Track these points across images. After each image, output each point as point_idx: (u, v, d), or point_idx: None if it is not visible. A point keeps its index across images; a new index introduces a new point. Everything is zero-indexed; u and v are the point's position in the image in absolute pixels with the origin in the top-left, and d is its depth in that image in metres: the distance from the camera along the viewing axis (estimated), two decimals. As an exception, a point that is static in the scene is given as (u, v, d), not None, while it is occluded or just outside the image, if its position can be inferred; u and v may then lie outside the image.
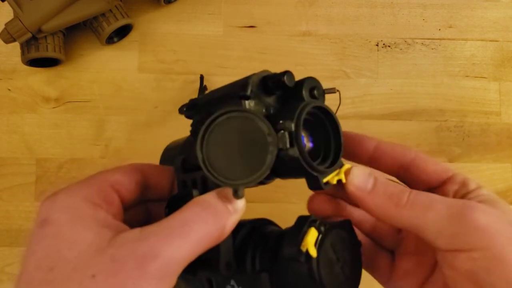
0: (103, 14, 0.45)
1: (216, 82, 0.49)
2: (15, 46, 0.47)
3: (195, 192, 0.25)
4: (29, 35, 0.43)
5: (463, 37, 0.52)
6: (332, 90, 0.27)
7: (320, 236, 0.24)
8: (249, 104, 0.25)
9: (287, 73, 0.25)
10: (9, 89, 0.48)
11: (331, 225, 0.25)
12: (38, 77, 0.48)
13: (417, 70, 0.51)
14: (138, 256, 0.20)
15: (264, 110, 0.25)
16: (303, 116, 0.24)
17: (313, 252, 0.23)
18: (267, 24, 0.51)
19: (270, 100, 0.26)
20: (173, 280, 0.21)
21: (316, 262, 0.23)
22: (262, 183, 0.26)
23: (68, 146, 0.47)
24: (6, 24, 0.42)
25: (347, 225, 0.26)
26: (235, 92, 0.25)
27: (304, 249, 0.23)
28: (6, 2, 0.42)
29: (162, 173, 0.28)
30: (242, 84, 0.25)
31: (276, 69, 0.53)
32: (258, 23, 0.51)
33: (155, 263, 0.20)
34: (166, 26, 0.50)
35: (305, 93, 0.26)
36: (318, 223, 0.25)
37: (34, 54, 0.44)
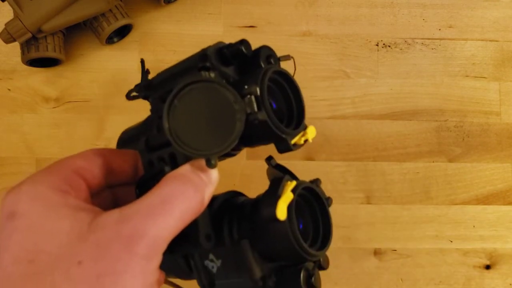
0: (103, 14, 0.45)
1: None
2: (15, 46, 0.47)
3: (167, 168, 0.24)
4: (29, 35, 0.43)
5: (463, 37, 0.52)
6: (287, 57, 0.28)
7: (295, 195, 0.25)
8: (209, 75, 0.24)
9: (243, 41, 0.26)
10: (9, 89, 0.48)
11: (300, 183, 0.26)
12: (38, 77, 0.48)
13: (417, 70, 0.51)
14: (123, 237, 0.20)
15: (223, 81, 0.25)
16: (266, 79, 0.24)
17: (283, 214, 0.24)
18: (267, 24, 0.51)
19: (228, 70, 0.26)
20: (160, 258, 0.21)
21: (290, 221, 0.24)
22: (230, 154, 0.26)
23: (68, 146, 0.47)
24: (6, 24, 0.42)
25: (316, 183, 0.28)
26: (193, 65, 0.25)
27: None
28: (6, 2, 0.42)
29: (123, 157, 0.27)
30: (200, 56, 0.25)
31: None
32: (258, 23, 0.51)
33: (142, 243, 0.20)
34: (166, 26, 0.50)
35: (262, 61, 0.26)
36: (292, 183, 0.25)
37: (34, 54, 0.44)
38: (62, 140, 0.47)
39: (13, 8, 0.42)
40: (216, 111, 0.23)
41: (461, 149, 0.49)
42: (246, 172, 0.47)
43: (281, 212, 0.24)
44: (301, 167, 0.48)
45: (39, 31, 0.43)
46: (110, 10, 0.46)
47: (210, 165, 0.22)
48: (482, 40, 0.52)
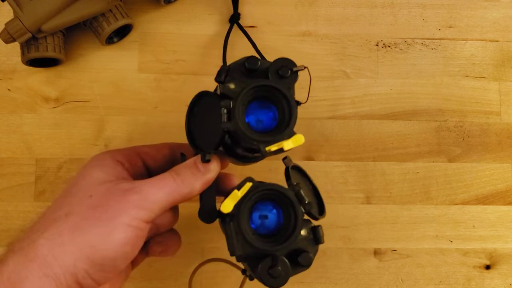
0: (103, 14, 0.45)
1: (215, 82, 0.49)
2: (15, 46, 0.47)
3: (182, 158, 0.33)
4: (29, 35, 0.43)
5: (463, 37, 0.52)
6: (301, 68, 0.31)
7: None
8: (227, 86, 0.30)
9: (248, 58, 0.30)
10: (9, 89, 0.48)
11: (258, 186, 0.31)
12: (38, 77, 0.48)
13: (417, 70, 0.51)
14: (125, 189, 0.30)
15: (219, 93, 0.31)
16: (244, 94, 0.29)
17: (227, 208, 0.30)
18: (267, 24, 0.51)
19: (253, 81, 0.30)
20: (150, 214, 0.29)
21: (238, 216, 0.30)
22: (251, 160, 0.34)
23: (67, 146, 0.47)
24: (6, 24, 0.42)
25: (293, 187, 0.32)
26: (216, 77, 0.30)
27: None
28: (6, 2, 0.42)
29: (187, 150, 0.34)
30: (219, 70, 0.30)
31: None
32: (258, 23, 0.51)
33: (135, 195, 0.29)
34: (166, 26, 0.50)
35: (270, 74, 0.30)
36: (248, 184, 0.31)
37: (34, 54, 0.44)
38: (62, 140, 0.47)
39: (13, 8, 0.42)
40: (214, 119, 0.29)
41: (461, 149, 0.50)
42: (246, 173, 0.47)
43: (225, 207, 0.30)
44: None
45: (39, 31, 0.43)
46: (110, 10, 0.46)
47: (204, 160, 0.31)
48: (482, 40, 0.52)
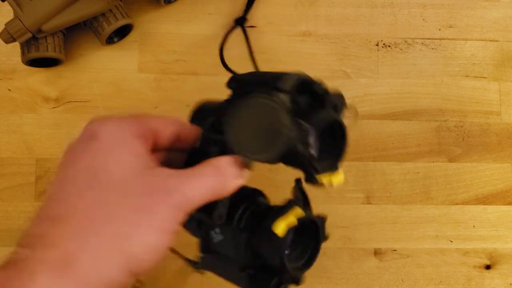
0: (103, 14, 0.45)
1: (215, 82, 0.49)
2: (15, 46, 0.47)
3: (214, 150, 0.29)
4: (29, 35, 0.43)
5: (463, 37, 0.52)
6: (353, 111, 0.33)
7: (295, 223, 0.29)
8: (280, 96, 0.28)
9: (318, 84, 0.30)
10: (9, 89, 0.48)
11: (308, 216, 0.30)
12: (38, 77, 0.48)
13: (417, 70, 0.51)
14: (165, 187, 0.25)
15: (289, 104, 0.29)
16: (321, 124, 0.28)
17: (280, 230, 0.29)
18: (267, 24, 0.51)
19: (299, 97, 0.29)
20: (184, 215, 0.26)
21: (283, 239, 0.28)
22: (269, 162, 0.30)
23: (68, 146, 0.47)
24: (6, 24, 0.42)
25: (322, 219, 0.32)
26: (273, 82, 0.29)
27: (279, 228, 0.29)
28: (6, 2, 0.42)
29: (193, 132, 0.32)
30: (282, 77, 0.29)
31: (276, 69, 0.52)
32: (258, 23, 0.51)
33: (176, 195, 0.25)
34: (166, 26, 0.50)
35: (327, 105, 0.30)
36: (298, 210, 0.30)
37: (34, 54, 0.44)
38: (62, 140, 0.47)
39: (13, 8, 0.42)
40: (269, 126, 0.27)
41: (461, 149, 0.50)
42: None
43: (279, 228, 0.28)
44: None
45: (39, 31, 0.43)
46: (110, 10, 0.46)
47: (247, 166, 0.28)
48: (482, 40, 0.52)
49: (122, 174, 0.25)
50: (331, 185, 0.30)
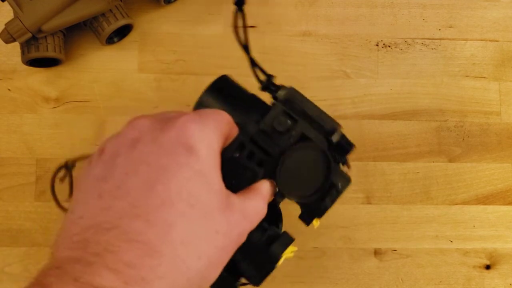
0: (103, 14, 0.45)
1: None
2: (15, 46, 0.47)
3: (260, 172, 0.30)
4: (29, 35, 0.43)
5: (463, 37, 0.52)
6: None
7: None
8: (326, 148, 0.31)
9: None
10: (9, 89, 0.48)
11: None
12: (38, 77, 0.48)
13: (417, 70, 0.51)
14: (243, 223, 0.25)
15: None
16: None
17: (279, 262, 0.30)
18: (267, 24, 0.51)
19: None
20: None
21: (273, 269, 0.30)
22: (302, 202, 0.33)
23: (68, 146, 0.47)
24: (6, 24, 0.42)
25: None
26: (329, 131, 0.32)
27: None
28: (6, 2, 0.42)
29: (234, 133, 0.30)
30: (335, 129, 0.33)
31: (276, 69, 0.53)
32: (258, 23, 0.51)
33: (247, 223, 0.25)
34: (166, 26, 0.50)
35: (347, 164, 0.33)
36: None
37: (34, 54, 0.44)
38: (62, 140, 0.47)
39: (13, 8, 0.42)
40: (312, 172, 0.30)
41: (461, 149, 0.50)
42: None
43: (281, 259, 0.30)
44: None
45: (39, 31, 0.43)
46: (110, 10, 0.46)
47: (276, 201, 0.30)
48: (482, 40, 0.52)
49: (211, 207, 0.24)
50: (314, 225, 0.32)
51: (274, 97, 0.34)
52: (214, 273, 0.24)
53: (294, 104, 0.33)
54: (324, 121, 0.34)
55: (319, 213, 0.31)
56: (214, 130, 0.25)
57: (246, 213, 0.25)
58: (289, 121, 0.32)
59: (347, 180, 0.31)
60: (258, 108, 0.34)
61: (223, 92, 0.35)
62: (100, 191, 0.23)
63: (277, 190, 0.29)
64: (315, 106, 0.34)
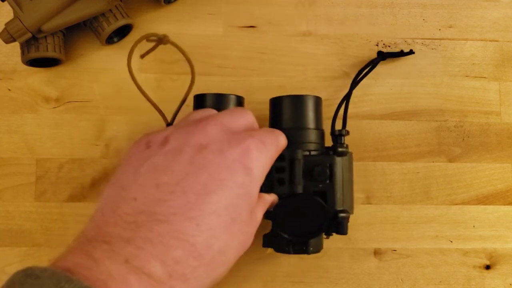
0: (103, 14, 0.45)
1: (216, 82, 0.49)
2: (15, 46, 0.47)
3: (276, 187, 0.35)
4: (29, 35, 0.43)
5: (463, 37, 0.52)
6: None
7: None
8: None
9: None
10: (9, 89, 0.48)
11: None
12: (38, 77, 0.48)
13: (417, 70, 0.51)
14: (252, 233, 0.29)
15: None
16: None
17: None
18: (267, 24, 0.51)
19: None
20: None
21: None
22: (297, 241, 0.38)
23: (68, 146, 0.47)
24: (6, 24, 0.42)
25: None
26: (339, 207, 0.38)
27: None
28: (6, 2, 0.42)
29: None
30: (346, 213, 0.38)
31: (276, 69, 0.53)
32: (258, 23, 0.51)
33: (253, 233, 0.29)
34: (166, 26, 0.50)
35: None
36: None
37: (34, 54, 0.44)
38: (62, 140, 0.47)
39: (13, 8, 0.42)
40: (309, 217, 0.35)
41: (461, 149, 0.49)
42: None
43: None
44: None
45: (39, 31, 0.43)
46: (110, 10, 0.46)
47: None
48: (482, 40, 0.52)
49: (246, 220, 0.27)
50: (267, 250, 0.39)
51: (334, 147, 0.38)
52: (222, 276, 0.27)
53: (342, 166, 0.38)
54: (346, 199, 0.38)
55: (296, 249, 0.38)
56: (271, 158, 0.29)
57: (256, 224, 0.28)
58: (327, 178, 0.36)
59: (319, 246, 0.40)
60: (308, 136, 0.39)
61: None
62: (158, 181, 0.25)
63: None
64: (352, 182, 0.39)
